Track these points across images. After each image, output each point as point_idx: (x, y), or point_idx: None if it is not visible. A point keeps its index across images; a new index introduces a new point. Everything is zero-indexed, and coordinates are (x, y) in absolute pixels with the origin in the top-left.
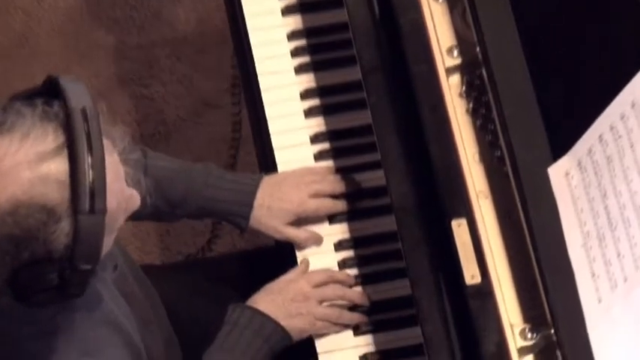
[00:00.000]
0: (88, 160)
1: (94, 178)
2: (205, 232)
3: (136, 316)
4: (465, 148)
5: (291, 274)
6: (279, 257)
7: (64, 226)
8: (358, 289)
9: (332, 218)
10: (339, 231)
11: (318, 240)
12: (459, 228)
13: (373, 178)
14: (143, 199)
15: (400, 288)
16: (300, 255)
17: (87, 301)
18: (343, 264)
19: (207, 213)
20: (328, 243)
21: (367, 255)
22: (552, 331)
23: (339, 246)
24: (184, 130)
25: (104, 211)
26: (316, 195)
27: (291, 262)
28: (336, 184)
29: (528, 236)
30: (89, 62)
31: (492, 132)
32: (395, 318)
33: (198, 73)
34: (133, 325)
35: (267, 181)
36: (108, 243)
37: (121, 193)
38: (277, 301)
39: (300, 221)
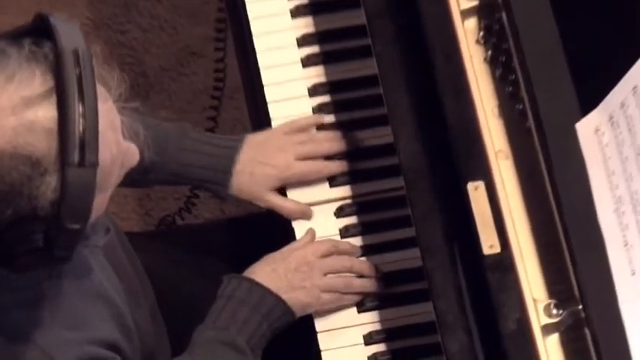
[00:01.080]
0: (79, 107)
1: (85, 127)
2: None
3: (125, 290)
4: (482, 102)
5: (294, 244)
6: (273, 224)
7: (51, 180)
8: (363, 260)
9: (332, 180)
10: (340, 195)
11: (306, 213)
12: (476, 191)
13: (379, 136)
14: (142, 154)
15: (409, 259)
16: (296, 223)
17: (75, 270)
18: (345, 231)
19: (183, 180)
20: (328, 208)
21: (372, 222)
22: (580, 307)
23: (340, 212)
24: (166, 81)
25: (95, 164)
26: (305, 156)
27: (287, 231)
28: (328, 144)
29: (553, 201)
30: (62, 5)
31: (513, 83)
32: (403, 292)
33: (182, 18)
34: (122, 299)
35: (249, 143)
36: (100, 203)
37: (116, 146)
38: (278, 272)
39: (296, 185)
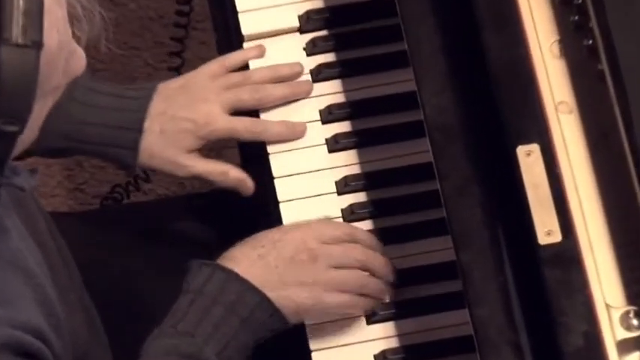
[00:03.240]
0: None
1: None
2: None
3: (53, 279)
4: (537, 36)
5: (291, 224)
6: (251, 202)
7: None
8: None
9: (331, 142)
10: (343, 161)
11: (242, 181)
12: (529, 158)
13: (394, 82)
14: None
15: (437, 251)
16: (284, 203)
17: None
18: (350, 213)
19: (76, 144)
20: (328, 180)
21: (387, 200)
22: None
23: (344, 186)
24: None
25: (39, 44)
26: (234, 107)
27: (270, 211)
28: (279, 89)
29: (634, 170)
30: None
31: (579, 9)
32: (428, 297)
33: None
34: (48, 280)
35: (161, 92)
36: (36, 116)
37: (64, 30)
38: (267, 261)
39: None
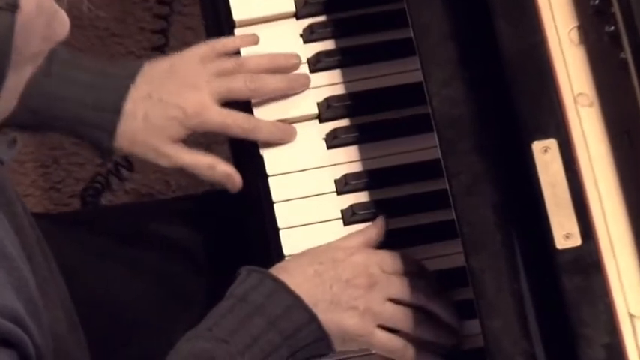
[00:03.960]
0: None
1: None
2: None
3: (31, 265)
4: (554, 22)
5: (351, 239)
6: (245, 206)
7: None
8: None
9: (332, 138)
10: (343, 158)
11: (229, 177)
12: (546, 155)
13: (399, 72)
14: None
15: (445, 256)
16: (279, 205)
17: None
18: (350, 214)
19: (46, 121)
20: (327, 179)
21: (390, 200)
22: None
23: (344, 185)
24: None
25: (15, 6)
26: (226, 97)
27: (265, 214)
28: (273, 80)
29: None
30: None
31: None
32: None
33: None
34: (27, 266)
35: (147, 74)
36: (14, 84)
37: None
38: (323, 279)
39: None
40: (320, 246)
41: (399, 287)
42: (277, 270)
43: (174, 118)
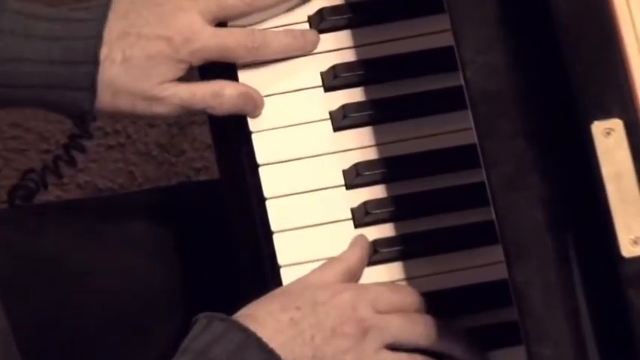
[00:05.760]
0: None
1: None
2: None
3: None
4: None
5: (327, 273)
6: (228, 200)
7: None
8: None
9: (338, 117)
10: (353, 143)
11: (245, 96)
12: (608, 139)
13: (423, 34)
14: None
15: (480, 267)
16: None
17: None
18: (363, 214)
19: (6, 91)
20: (333, 169)
21: (412, 196)
22: None
23: (354, 177)
24: None
25: None
26: (219, 14)
27: (253, 212)
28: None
29: None
30: None
31: None
32: (471, 329)
33: None
34: None
35: (120, 5)
36: None
37: None
38: (302, 329)
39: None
40: (293, 284)
41: (397, 329)
42: (243, 318)
43: (160, 53)
